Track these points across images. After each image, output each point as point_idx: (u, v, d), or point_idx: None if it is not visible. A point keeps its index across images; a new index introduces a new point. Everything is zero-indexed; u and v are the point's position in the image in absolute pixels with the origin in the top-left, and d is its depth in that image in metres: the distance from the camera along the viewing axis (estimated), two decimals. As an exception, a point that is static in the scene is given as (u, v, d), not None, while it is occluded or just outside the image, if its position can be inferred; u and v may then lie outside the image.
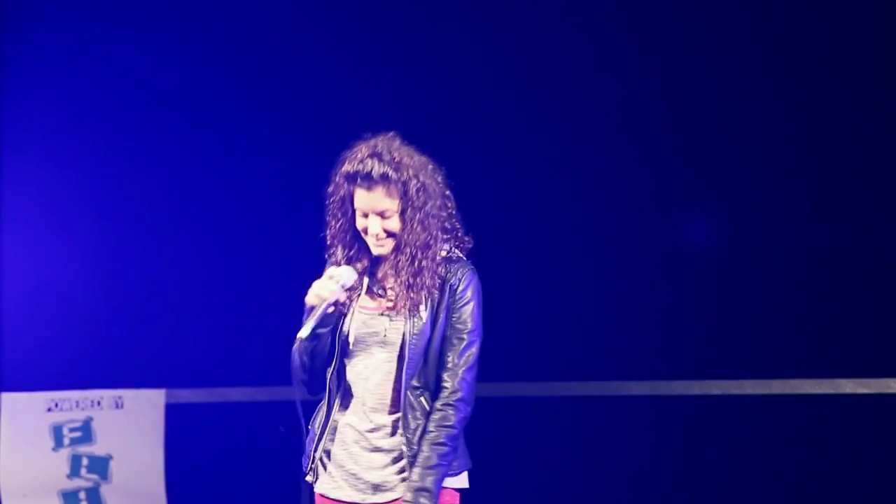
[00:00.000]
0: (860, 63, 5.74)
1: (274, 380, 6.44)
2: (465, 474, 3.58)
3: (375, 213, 3.48)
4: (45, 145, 6.51)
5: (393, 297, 3.53)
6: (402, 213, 3.47)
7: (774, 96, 5.88)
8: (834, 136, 5.77)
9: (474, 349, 3.54)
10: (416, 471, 3.46)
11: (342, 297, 3.48)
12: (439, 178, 3.58)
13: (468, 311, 3.53)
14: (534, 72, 6.20)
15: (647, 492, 5.99)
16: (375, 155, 3.47)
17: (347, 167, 3.49)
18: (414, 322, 3.50)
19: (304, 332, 3.44)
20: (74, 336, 6.45)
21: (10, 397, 6.27)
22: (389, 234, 3.49)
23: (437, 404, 3.50)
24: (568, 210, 6.12)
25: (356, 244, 3.57)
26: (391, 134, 3.56)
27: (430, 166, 3.56)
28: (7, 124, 6.45)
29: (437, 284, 3.51)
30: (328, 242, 3.61)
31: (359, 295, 3.56)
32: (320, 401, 3.65)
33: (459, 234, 3.62)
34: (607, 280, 6.05)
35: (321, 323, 3.49)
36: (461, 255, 3.60)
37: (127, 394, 6.39)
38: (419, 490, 3.45)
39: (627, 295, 6.03)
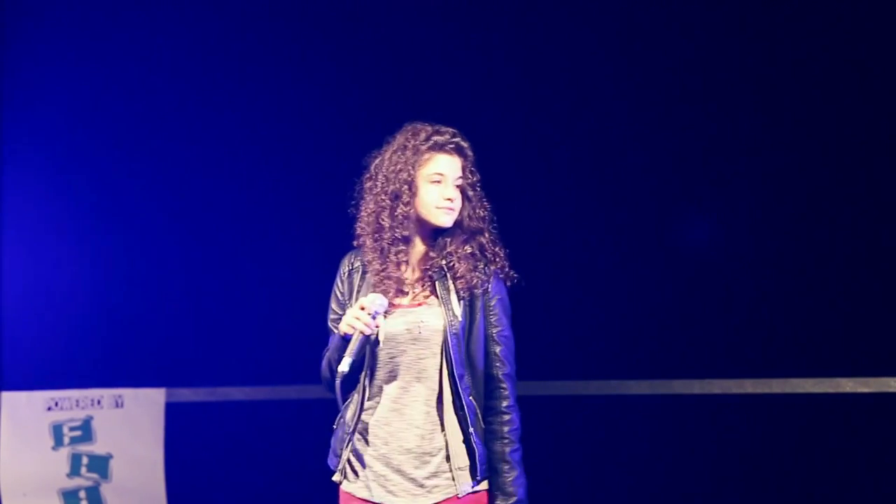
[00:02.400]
0: (860, 62, 5.74)
1: (273, 379, 6.45)
2: None
3: (452, 179, 3.58)
4: (46, 145, 6.51)
5: (422, 293, 3.55)
6: (464, 189, 3.60)
7: (774, 96, 5.87)
8: (834, 135, 5.77)
9: (513, 346, 3.61)
10: (503, 482, 3.51)
11: (378, 322, 3.49)
12: None
13: (501, 309, 3.61)
14: (536, 72, 6.20)
15: (647, 491, 5.99)
16: (453, 132, 3.63)
17: (435, 137, 3.59)
18: (451, 318, 3.51)
19: (343, 367, 3.43)
20: (74, 335, 6.46)
21: (10, 396, 6.28)
22: (458, 205, 3.59)
23: (499, 406, 3.54)
24: (567, 209, 6.12)
25: (400, 232, 3.59)
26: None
27: None
28: (8, 124, 6.45)
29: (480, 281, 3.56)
30: (373, 223, 3.62)
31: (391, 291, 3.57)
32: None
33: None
34: (607, 279, 6.05)
35: (357, 351, 3.51)
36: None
37: (127, 393, 6.39)
38: (517, 502, 3.51)
39: (627, 294, 6.02)
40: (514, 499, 3.50)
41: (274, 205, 6.53)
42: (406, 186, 3.57)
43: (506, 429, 3.53)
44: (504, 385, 3.55)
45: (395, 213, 3.58)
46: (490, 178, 6.05)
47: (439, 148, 3.58)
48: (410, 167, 3.57)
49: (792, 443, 5.81)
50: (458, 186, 3.58)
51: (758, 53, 5.89)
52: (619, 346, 6.01)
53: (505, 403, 3.54)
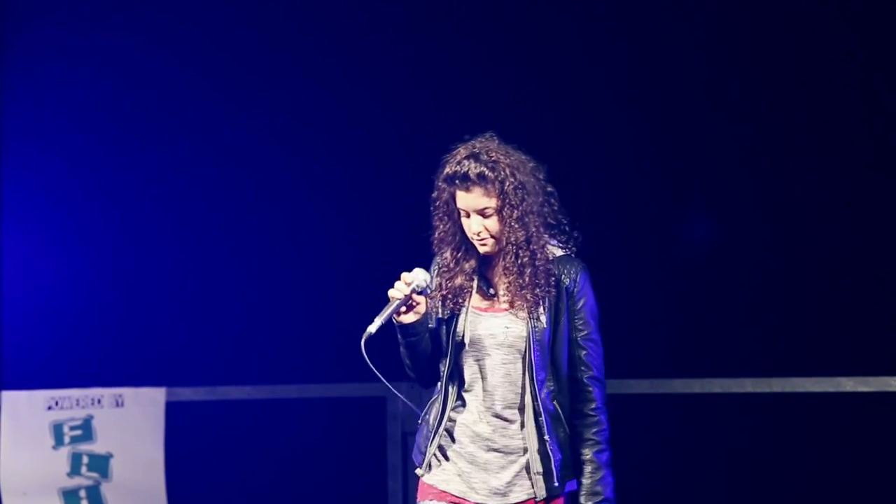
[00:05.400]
0: (860, 62, 5.74)
1: (273, 378, 6.45)
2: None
3: (476, 212, 3.52)
4: (47, 144, 6.52)
5: (508, 298, 3.55)
6: (500, 212, 3.52)
7: (774, 96, 5.87)
8: (834, 135, 5.77)
9: (601, 349, 3.62)
10: (590, 483, 3.53)
11: (418, 299, 3.49)
12: (539, 175, 3.63)
13: (587, 312, 3.61)
14: (537, 72, 6.20)
15: (646, 490, 5.98)
16: (472, 156, 3.53)
17: (447, 170, 3.55)
18: (535, 325, 3.53)
19: (371, 328, 3.44)
20: (75, 334, 6.46)
21: (10, 395, 6.27)
22: (491, 233, 3.54)
23: (585, 409, 3.56)
24: (566, 209, 6.10)
25: (464, 246, 3.60)
26: (489, 134, 3.62)
27: (531, 164, 3.62)
28: (8, 123, 6.45)
29: (552, 283, 3.55)
30: (435, 246, 3.63)
31: (470, 295, 3.58)
32: (429, 394, 3.68)
33: (567, 230, 3.67)
34: (607, 277, 6.02)
35: (407, 331, 3.51)
36: (571, 252, 3.65)
37: (127, 392, 6.39)
38: (601, 502, 3.52)
39: (628, 292, 6.02)
40: (601, 498, 3.52)
41: (275, 205, 6.53)
42: (449, 221, 3.59)
43: (592, 430, 3.55)
44: (590, 388, 3.57)
45: (447, 233, 3.61)
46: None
47: (454, 184, 3.54)
48: (445, 196, 3.57)
49: (792, 442, 5.81)
50: (487, 215, 3.53)
51: (760, 54, 5.90)
52: (619, 344, 5.97)
53: (591, 406, 3.56)
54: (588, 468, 3.54)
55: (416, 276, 3.48)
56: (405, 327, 3.52)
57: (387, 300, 3.49)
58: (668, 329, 5.97)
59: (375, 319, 3.44)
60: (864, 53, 5.72)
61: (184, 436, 6.43)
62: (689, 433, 5.92)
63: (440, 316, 3.60)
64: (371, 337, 3.43)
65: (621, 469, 5.86)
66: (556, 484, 3.54)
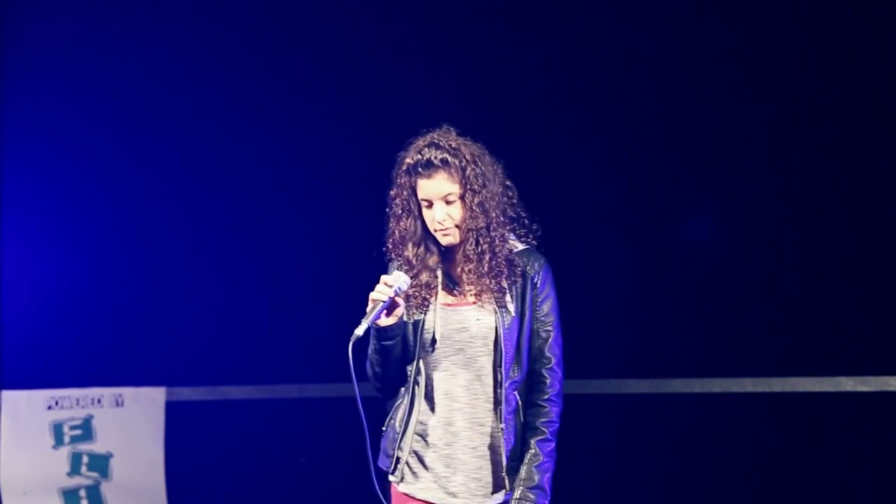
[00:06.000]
0: (861, 61, 5.74)
1: (273, 378, 6.45)
2: None
3: (439, 199, 3.51)
4: (47, 144, 6.52)
5: (473, 291, 3.55)
6: (462, 198, 3.51)
7: (775, 95, 5.88)
8: (835, 134, 5.77)
9: (560, 341, 3.60)
10: (526, 469, 3.50)
11: (398, 300, 3.47)
12: (497, 168, 3.63)
13: (549, 305, 3.60)
14: (538, 71, 6.20)
15: (646, 490, 5.98)
16: (432, 144, 3.53)
17: (408, 160, 3.55)
18: (504, 315, 3.52)
19: (358, 331, 3.40)
20: (75, 334, 6.46)
21: (10, 395, 6.28)
22: (455, 222, 3.53)
23: (537, 399, 3.55)
24: (567, 207, 6.12)
25: (424, 241, 3.59)
26: (445, 127, 3.63)
27: (487, 157, 3.61)
28: (8, 123, 6.45)
29: (518, 273, 3.55)
30: (393, 243, 3.61)
31: (436, 292, 3.57)
32: (393, 400, 3.65)
33: (526, 223, 3.67)
34: (607, 277, 6.04)
35: (385, 334, 3.50)
36: (532, 245, 3.65)
37: (127, 392, 6.39)
38: (533, 488, 3.49)
39: (627, 292, 6.02)
40: (533, 484, 3.49)
41: (274, 205, 6.53)
42: (410, 217, 3.58)
43: (540, 420, 3.53)
44: (546, 380, 3.55)
45: (407, 230, 3.59)
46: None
47: (417, 173, 3.53)
48: (405, 191, 3.56)
49: (792, 442, 5.81)
50: (450, 202, 3.52)
51: (761, 53, 5.90)
52: (619, 344, 6.01)
53: (543, 396, 3.55)
54: (528, 454, 3.52)
55: (398, 278, 3.47)
56: (383, 330, 3.50)
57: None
58: (668, 329, 5.97)
59: (362, 322, 3.41)
60: (864, 53, 5.72)
61: (184, 436, 6.43)
62: (689, 433, 5.92)
63: (405, 318, 3.57)
64: (357, 340, 3.41)
65: (622, 469, 5.88)
66: (503, 475, 3.52)
